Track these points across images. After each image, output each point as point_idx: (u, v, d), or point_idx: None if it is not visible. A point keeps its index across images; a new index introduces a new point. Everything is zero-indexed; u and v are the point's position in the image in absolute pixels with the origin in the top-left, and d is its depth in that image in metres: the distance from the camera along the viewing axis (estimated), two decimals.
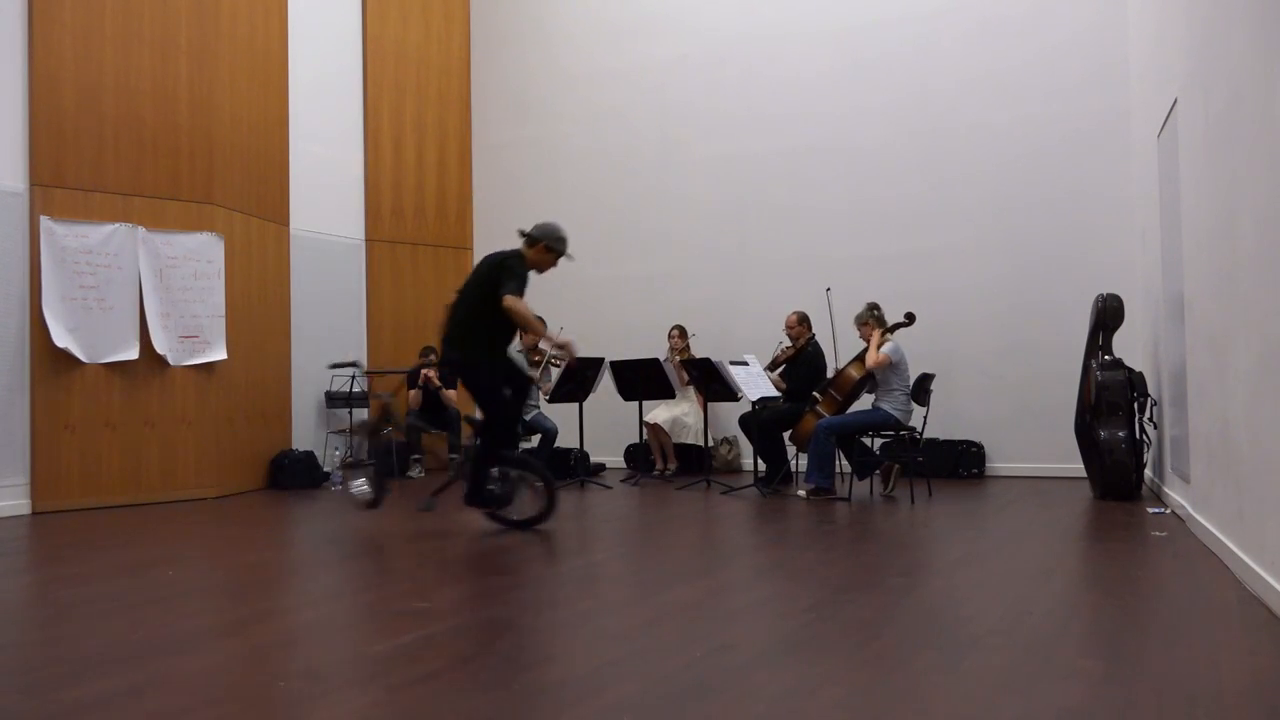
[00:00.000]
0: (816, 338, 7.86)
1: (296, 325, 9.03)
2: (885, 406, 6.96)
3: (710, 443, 8.90)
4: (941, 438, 8.28)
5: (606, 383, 8.55)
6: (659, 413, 8.95)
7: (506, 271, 5.45)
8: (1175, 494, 6.05)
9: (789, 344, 7.92)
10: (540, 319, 5.85)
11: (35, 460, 7.06)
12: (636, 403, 8.56)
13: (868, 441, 7.42)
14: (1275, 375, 3.38)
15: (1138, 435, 6.69)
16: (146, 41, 7.66)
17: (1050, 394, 7.96)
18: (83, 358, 7.24)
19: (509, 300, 5.30)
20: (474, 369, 5.61)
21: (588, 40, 10.24)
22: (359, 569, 4.94)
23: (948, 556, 4.90)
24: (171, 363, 7.70)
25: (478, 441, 5.61)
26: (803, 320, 7.88)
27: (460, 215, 10.62)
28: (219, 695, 2.78)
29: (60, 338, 7.12)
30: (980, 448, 8.35)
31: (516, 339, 8.82)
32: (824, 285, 7.99)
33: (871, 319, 7.11)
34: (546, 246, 5.65)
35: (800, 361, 7.80)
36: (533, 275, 5.60)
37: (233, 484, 8.10)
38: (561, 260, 5.74)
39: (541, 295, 10.08)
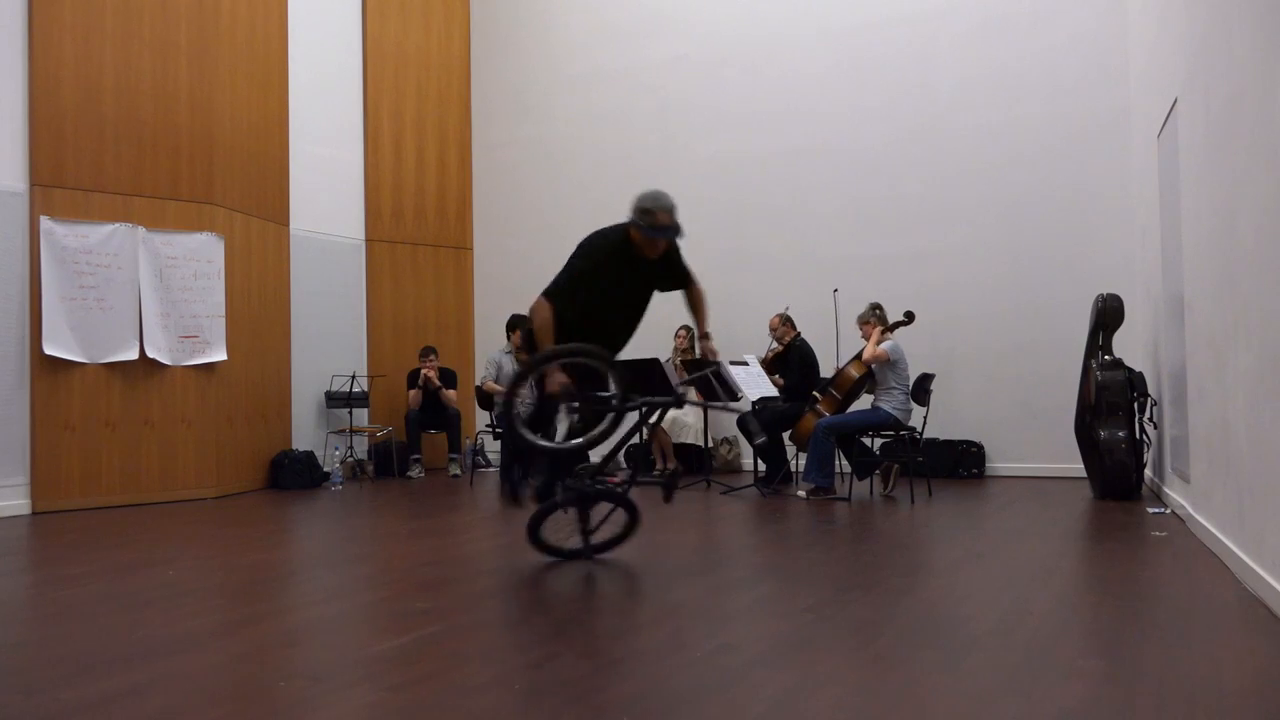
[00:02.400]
0: (803, 336, 7.89)
1: (296, 325, 9.03)
2: (885, 406, 6.96)
3: (710, 443, 8.90)
4: (941, 438, 8.28)
5: None
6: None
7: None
8: (1175, 494, 6.05)
9: (776, 345, 7.98)
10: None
11: (35, 460, 7.05)
12: None
13: (868, 441, 7.42)
14: (1275, 375, 3.38)
15: (1138, 435, 6.69)
16: (146, 41, 7.65)
17: (1050, 394, 7.96)
18: (77, 360, 7.23)
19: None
20: None
21: (587, 40, 10.23)
22: (359, 569, 4.94)
23: (948, 556, 4.89)
24: (170, 363, 7.70)
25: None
26: (785, 321, 7.95)
27: (460, 215, 10.61)
28: (219, 695, 2.78)
29: (51, 345, 7.09)
30: (980, 448, 8.35)
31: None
32: (824, 284, 8.02)
33: (874, 318, 7.12)
34: (634, 223, 4.44)
35: (790, 357, 7.82)
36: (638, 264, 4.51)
37: (233, 484, 8.10)
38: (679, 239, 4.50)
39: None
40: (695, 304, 4.71)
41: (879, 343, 6.98)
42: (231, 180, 8.22)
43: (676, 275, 4.66)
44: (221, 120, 8.11)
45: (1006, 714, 2.48)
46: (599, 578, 4.53)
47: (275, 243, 8.79)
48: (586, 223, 11.14)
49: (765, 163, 9.32)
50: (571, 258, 4.54)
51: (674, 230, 4.42)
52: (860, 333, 7.22)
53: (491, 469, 9.53)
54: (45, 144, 7.16)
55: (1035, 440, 8.19)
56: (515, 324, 8.70)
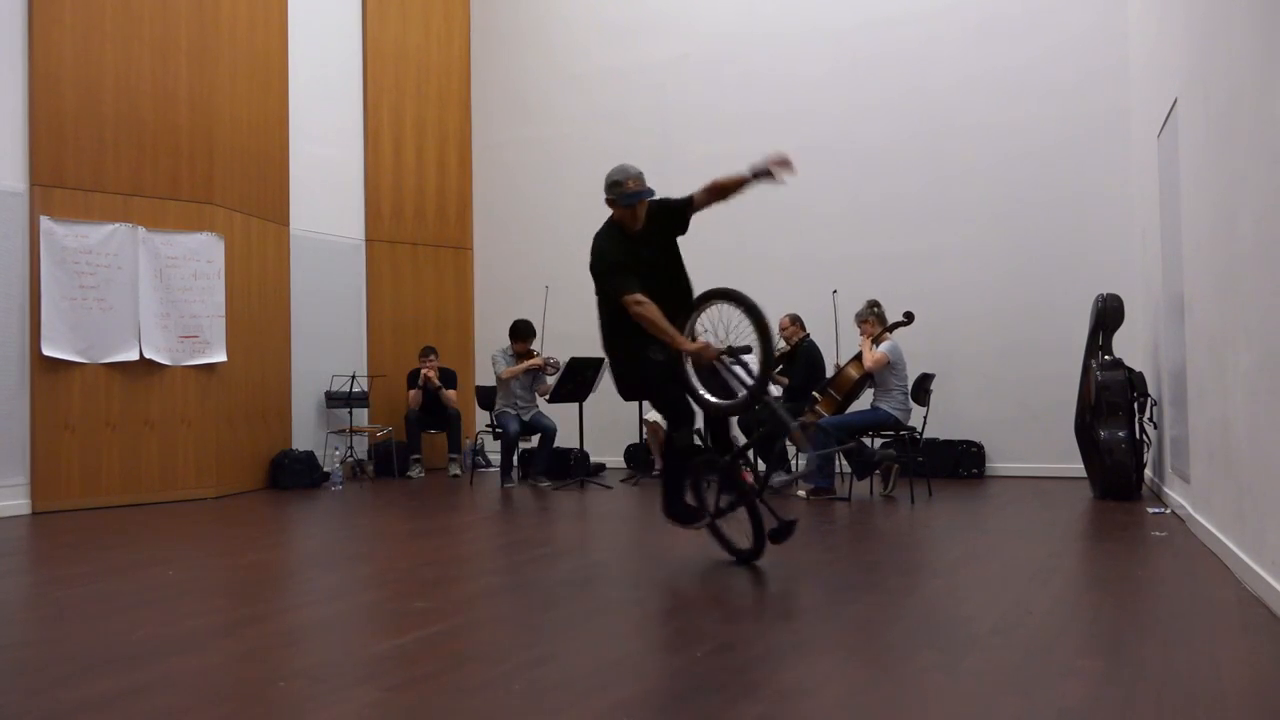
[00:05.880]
0: (812, 337, 7.89)
1: (296, 325, 9.03)
2: (884, 406, 6.96)
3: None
4: (941, 438, 8.28)
5: (606, 383, 8.53)
6: (659, 412, 8.93)
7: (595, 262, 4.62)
8: (1175, 494, 6.05)
9: (784, 344, 7.97)
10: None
11: (35, 460, 7.05)
12: (636, 403, 8.56)
13: (867, 441, 7.42)
14: (1275, 375, 3.38)
15: (1138, 435, 6.69)
16: (146, 41, 7.65)
17: (1050, 394, 7.95)
18: (77, 360, 7.23)
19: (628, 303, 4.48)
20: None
21: (587, 40, 10.23)
22: (359, 569, 4.94)
23: (948, 556, 4.90)
24: (170, 363, 7.70)
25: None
26: (795, 321, 7.94)
27: (460, 215, 10.61)
28: (219, 695, 2.78)
29: (50, 345, 7.08)
30: (980, 448, 8.35)
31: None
32: (824, 284, 8.01)
33: (872, 316, 7.12)
34: (612, 202, 4.76)
35: (797, 357, 7.82)
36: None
37: (233, 484, 8.10)
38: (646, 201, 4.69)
39: (541, 294, 10.13)
40: (713, 189, 4.81)
41: (878, 344, 6.97)
42: (231, 180, 8.22)
43: (679, 209, 4.79)
44: (221, 120, 8.11)
45: (1006, 714, 2.48)
46: (599, 578, 4.53)
47: (275, 243, 8.79)
48: (586, 222, 11.12)
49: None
50: (597, 265, 4.63)
51: (646, 191, 4.65)
52: (859, 330, 7.22)
53: (491, 469, 9.52)
54: (45, 144, 7.16)
55: (1035, 440, 8.19)
56: (521, 331, 8.62)
